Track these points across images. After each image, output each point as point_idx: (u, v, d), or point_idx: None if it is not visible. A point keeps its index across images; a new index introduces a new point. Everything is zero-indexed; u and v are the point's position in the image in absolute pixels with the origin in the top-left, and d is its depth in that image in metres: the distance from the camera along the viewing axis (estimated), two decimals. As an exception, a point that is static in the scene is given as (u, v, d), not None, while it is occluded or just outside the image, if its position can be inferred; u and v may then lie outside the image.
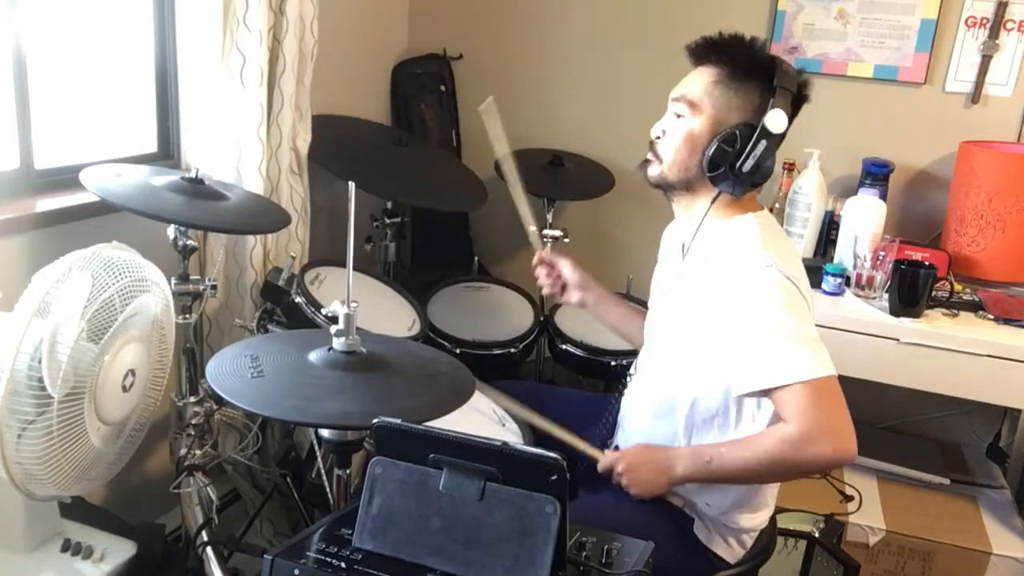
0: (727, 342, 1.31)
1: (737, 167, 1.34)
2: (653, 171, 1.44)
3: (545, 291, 1.74)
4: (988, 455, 2.45)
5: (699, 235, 1.43)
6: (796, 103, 1.37)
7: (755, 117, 1.34)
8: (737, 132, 1.34)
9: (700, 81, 1.38)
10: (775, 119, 1.31)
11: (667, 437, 1.44)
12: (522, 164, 2.55)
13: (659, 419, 1.45)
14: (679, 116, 1.40)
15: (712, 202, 1.40)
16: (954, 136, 2.32)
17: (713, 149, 1.35)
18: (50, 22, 1.73)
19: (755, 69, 1.35)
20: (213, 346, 2.00)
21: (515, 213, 1.75)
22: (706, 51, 1.39)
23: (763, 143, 1.32)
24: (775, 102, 1.31)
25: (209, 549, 1.58)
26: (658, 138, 1.44)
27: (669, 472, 1.37)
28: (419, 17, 2.86)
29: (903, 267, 2.00)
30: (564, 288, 1.73)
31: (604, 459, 1.45)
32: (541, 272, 1.73)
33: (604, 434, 1.60)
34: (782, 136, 1.37)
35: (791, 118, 1.36)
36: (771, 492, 1.49)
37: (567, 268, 1.72)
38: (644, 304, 2.64)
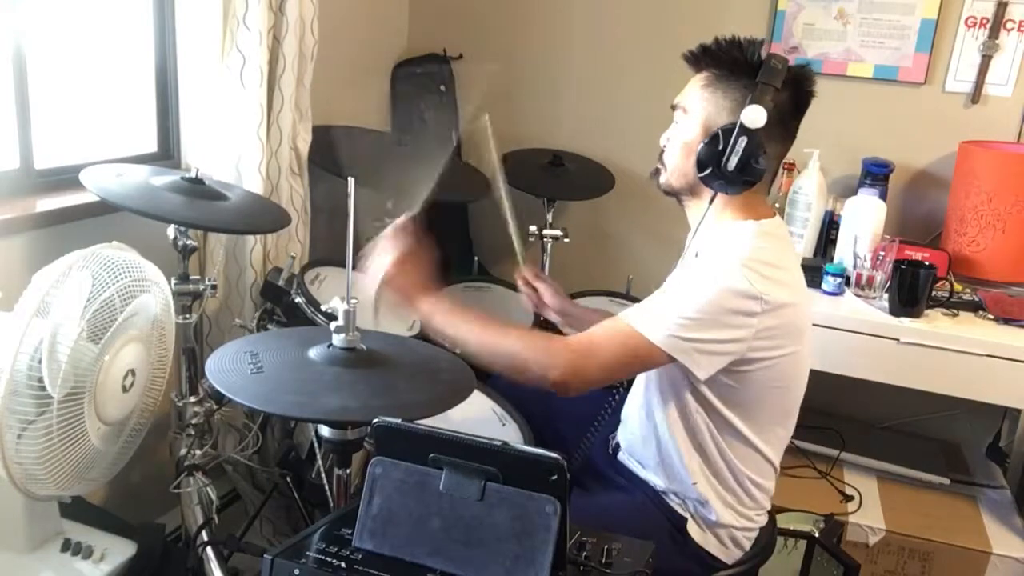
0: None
1: (723, 166, 1.34)
2: (661, 179, 1.47)
3: (529, 307, 1.80)
4: (988, 455, 2.45)
5: (700, 236, 1.43)
6: (798, 98, 1.36)
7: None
8: (719, 132, 1.35)
9: (693, 86, 1.41)
10: (751, 114, 1.31)
11: (655, 434, 1.44)
12: (522, 164, 2.57)
13: (647, 414, 1.46)
14: (677, 123, 1.43)
15: (710, 203, 1.40)
16: (954, 136, 2.32)
17: (700, 150, 1.36)
18: (50, 22, 1.73)
19: (741, 68, 1.35)
20: (213, 346, 2.00)
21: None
22: (699, 58, 1.41)
23: (743, 139, 1.32)
24: (753, 97, 1.32)
25: (209, 549, 1.58)
26: (664, 147, 1.46)
27: (414, 306, 1.43)
28: (419, 17, 2.86)
29: (903, 267, 2.00)
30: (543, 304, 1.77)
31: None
32: (525, 290, 1.78)
33: (606, 430, 1.61)
34: (790, 135, 1.38)
35: (797, 113, 1.36)
36: (766, 493, 1.48)
37: (547, 294, 1.75)
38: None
